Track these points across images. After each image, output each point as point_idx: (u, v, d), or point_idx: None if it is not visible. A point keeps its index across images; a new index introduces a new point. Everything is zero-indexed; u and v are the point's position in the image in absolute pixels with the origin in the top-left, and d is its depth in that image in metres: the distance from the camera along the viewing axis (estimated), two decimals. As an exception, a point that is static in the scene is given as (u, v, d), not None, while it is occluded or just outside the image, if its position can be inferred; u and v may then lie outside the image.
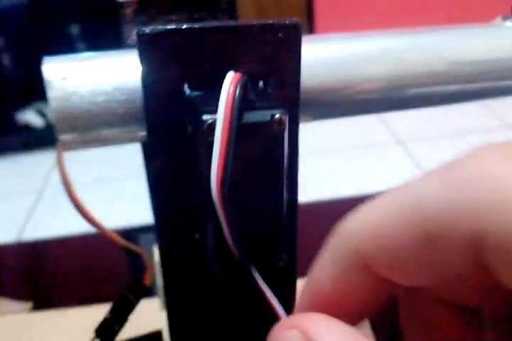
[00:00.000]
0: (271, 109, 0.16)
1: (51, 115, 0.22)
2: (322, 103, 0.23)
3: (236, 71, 0.17)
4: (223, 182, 0.15)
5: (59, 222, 1.32)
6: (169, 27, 0.18)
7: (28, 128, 1.81)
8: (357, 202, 0.13)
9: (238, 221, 0.17)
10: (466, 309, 0.15)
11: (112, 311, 0.25)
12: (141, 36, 0.18)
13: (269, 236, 0.18)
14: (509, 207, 0.10)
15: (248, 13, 1.85)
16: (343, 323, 0.12)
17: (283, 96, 0.19)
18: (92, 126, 0.22)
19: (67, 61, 0.22)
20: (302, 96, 0.21)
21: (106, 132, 0.22)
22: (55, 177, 1.59)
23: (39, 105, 1.86)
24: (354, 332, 0.12)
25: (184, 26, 0.18)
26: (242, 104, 0.16)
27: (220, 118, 0.15)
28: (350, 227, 0.12)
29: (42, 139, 1.79)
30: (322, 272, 0.13)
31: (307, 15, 1.93)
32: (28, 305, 0.49)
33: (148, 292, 0.25)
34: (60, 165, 0.24)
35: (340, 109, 0.23)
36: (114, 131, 0.22)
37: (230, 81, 0.15)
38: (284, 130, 0.16)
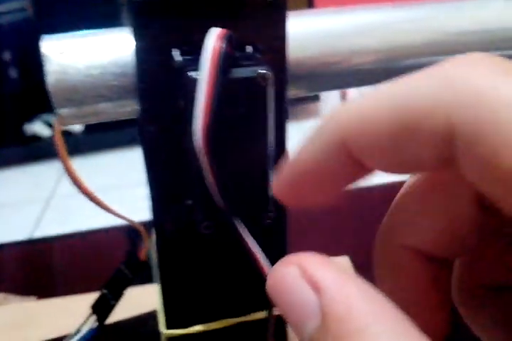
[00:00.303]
0: (256, 66, 0.17)
1: (49, 89, 0.22)
2: (312, 75, 0.23)
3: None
4: (207, 130, 0.15)
5: (66, 230, 1.32)
6: (159, -6, 0.18)
7: (35, 138, 1.83)
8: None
9: (223, 177, 0.17)
10: (436, 260, 0.16)
11: (107, 286, 0.25)
12: (132, 4, 0.19)
13: (255, 193, 0.19)
14: (479, 106, 0.11)
15: None
16: (334, 262, 0.13)
17: (270, 61, 0.19)
18: (89, 99, 0.22)
19: (65, 38, 0.23)
20: (293, 68, 0.22)
21: (102, 105, 0.23)
22: (63, 187, 1.59)
23: (46, 116, 1.88)
24: (342, 268, 0.13)
25: (173, -7, 0.18)
26: (228, 60, 0.16)
27: (205, 67, 0.15)
28: (340, 113, 0.13)
29: (49, 149, 1.81)
30: (306, 149, 0.14)
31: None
32: (33, 299, 0.50)
33: (144, 267, 0.25)
34: (59, 141, 0.24)
35: (331, 80, 0.24)
36: (110, 105, 0.23)
37: (214, 34, 0.16)
38: (268, 85, 0.17)
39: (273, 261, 0.21)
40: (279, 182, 0.15)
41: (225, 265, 0.21)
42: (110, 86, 0.22)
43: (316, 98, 2.20)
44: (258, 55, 0.19)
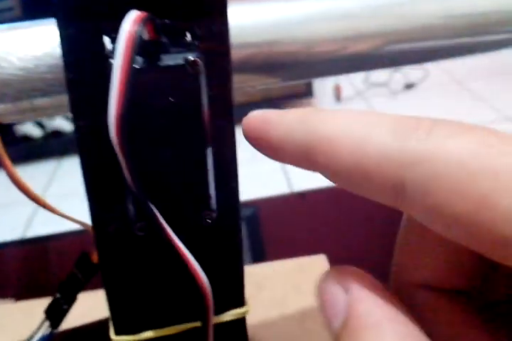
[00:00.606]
0: (186, 53, 0.16)
1: (-17, 84, 0.21)
2: (287, 63, 0.22)
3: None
4: (120, 120, 0.14)
5: (58, 229, 1.31)
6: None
7: (26, 139, 1.82)
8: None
9: (156, 173, 0.16)
10: (450, 291, 0.17)
11: (60, 290, 0.24)
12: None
13: (193, 190, 0.17)
14: (427, 164, 0.12)
15: None
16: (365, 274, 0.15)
17: (210, 48, 0.18)
18: (24, 93, 0.21)
19: (1, 30, 0.22)
20: (262, 56, 0.20)
21: (39, 100, 0.21)
22: (54, 187, 1.58)
23: (38, 116, 1.87)
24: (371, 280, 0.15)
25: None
26: (154, 46, 0.15)
27: (118, 53, 0.14)
28: (318, 124, 0.14)
29: (40, 150, 1.80)
30: (283, 122, 0.15)
31: None
32: (11, 301, 0.49)
33: (97, 270, 0.24)
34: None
35: (306, 69, 0.22)
36: (47, 100, 0.21)
37: (130, 18, 0.15)
38: (199, 73, 0.16)
39: (221, 267, 0.19)
40: (249, 118, 0.16)
41: (168, 269, 0.19)
42: (44, 79, 0.21)
43: (310, 94, 2.20)
44: (196, 42, 0.18)
